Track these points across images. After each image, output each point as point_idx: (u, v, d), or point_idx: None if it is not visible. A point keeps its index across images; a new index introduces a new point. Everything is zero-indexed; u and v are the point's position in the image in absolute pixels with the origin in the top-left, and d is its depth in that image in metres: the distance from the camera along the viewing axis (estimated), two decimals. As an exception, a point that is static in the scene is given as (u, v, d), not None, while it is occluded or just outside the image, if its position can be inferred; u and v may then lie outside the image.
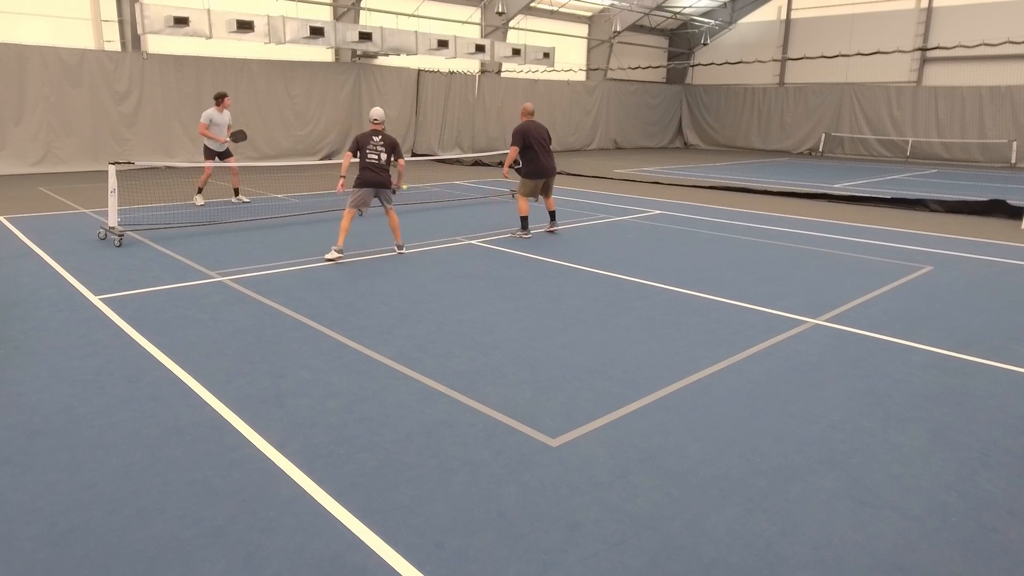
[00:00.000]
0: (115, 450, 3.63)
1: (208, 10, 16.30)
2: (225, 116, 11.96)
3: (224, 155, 12.11)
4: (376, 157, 8.33)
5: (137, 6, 15.52)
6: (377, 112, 8.52)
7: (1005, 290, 7.34)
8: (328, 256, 8.10)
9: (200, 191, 12.16)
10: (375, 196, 8.46)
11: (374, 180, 8.29)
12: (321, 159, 20.68)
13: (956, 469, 3.61)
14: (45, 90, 16.11)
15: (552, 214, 10.27)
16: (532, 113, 10.02)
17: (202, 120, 11.79)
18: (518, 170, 9.96)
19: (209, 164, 11.84)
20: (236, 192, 12.60)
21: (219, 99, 11.90)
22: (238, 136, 12.27)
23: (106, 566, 2.74)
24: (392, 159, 8.42)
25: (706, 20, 31.66)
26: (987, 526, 3.11)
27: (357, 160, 8.34)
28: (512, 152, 9.76)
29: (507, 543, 2.92)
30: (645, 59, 32.12)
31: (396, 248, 8.65)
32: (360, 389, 4.47)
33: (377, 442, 3.77)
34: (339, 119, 21.51)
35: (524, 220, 9.73)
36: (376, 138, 8.34)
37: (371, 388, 4.49)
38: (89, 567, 2.73)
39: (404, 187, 9.78)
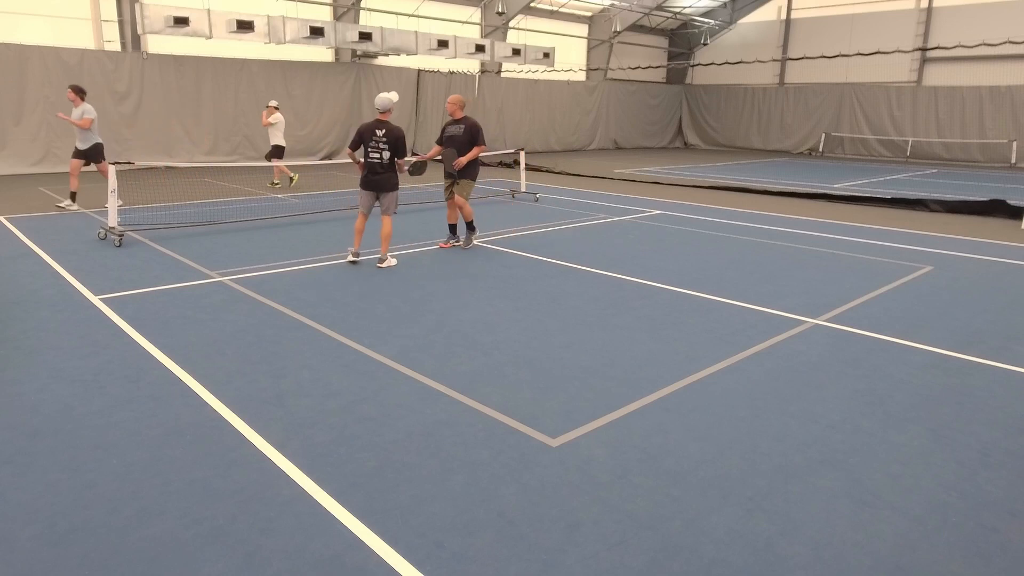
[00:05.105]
0: (115, 450, 3.63)
1: (208, 10, 16.30)
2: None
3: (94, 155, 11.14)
4: (377, 155, 7.50)
5: (137, 6, 15.52)
6: (381, 100, 7.48)
7: (1005, 290, 7.34)
8: (348, 259, 7.83)
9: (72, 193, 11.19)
10: (376, 199, 7.75)
11: (372, 183, 7.62)
12: (321, 159, 20.68)
13: (956, 469, 3.60)
14: (45, 90, 16.11)
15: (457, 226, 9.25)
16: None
17: (91, 115, 10.89)
18: (472, 175, 8.78)
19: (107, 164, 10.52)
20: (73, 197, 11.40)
21: (82, 92, 11.01)
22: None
23: (106, 566, 2.74)
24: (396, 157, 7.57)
25: (706, 20, 31.66)
26: (987, 526, 3.11)
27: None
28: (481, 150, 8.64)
29: (507, 543, 2.92)
30: (645, 59, 32.12)
31: (355, 252, 7.82)
32: (360, 389, 4.46)
33: (377, 442, 3.77)
34: (339, 119, 21.51)
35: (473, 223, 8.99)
36: (379, 132, 7.46)
37: (371, 388, 4.49)
38: (89, 567, 2.73)
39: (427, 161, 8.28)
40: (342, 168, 18.71)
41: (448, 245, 8.97)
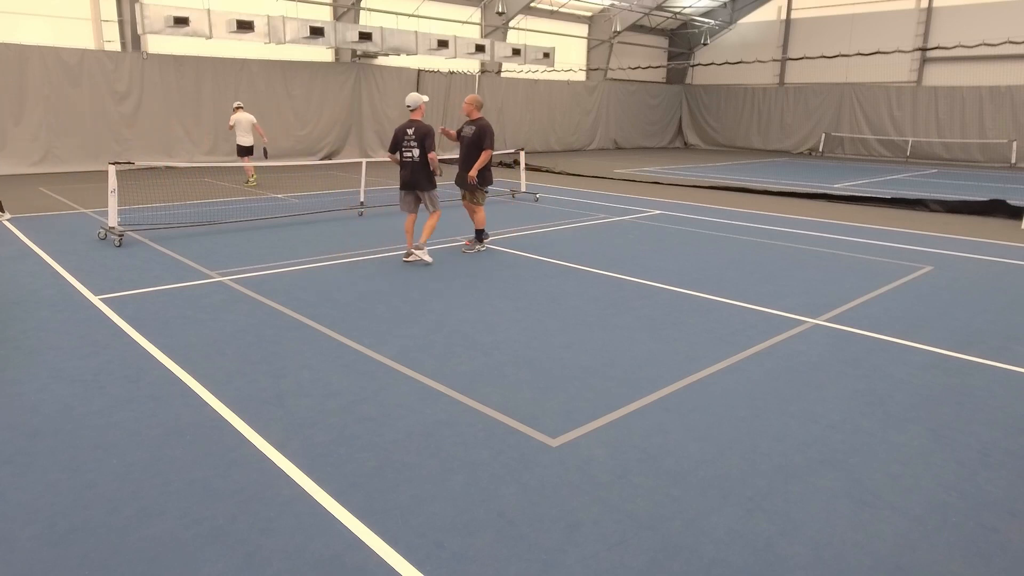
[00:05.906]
0: (115, 450, 3.63)
1: (208, 10, 16.30)
2: None
3: None
4: (410, 154, 7.65)
5: (137, 6, 15.52)
6: (410, 98, 7.62)
7: (1005, 290, 7.33)
8: (404, 259, 7.95)
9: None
10: (417, 200, 7.88)
11: (407, 180, 7.76)
12: (321, 159, 20.68)
13: (956, 469, 3.60)
14: (45, 90, 16.12)
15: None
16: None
17: None
18: (482, 182, 8.58)
19: None
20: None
21: None
22: None
23: (106, 566, 2.74)
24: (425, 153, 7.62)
25: (706, 20, 31.66)
26: (987, 526, 3.11)
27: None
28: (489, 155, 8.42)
29: (507, 543, 2.92)
30: (645, 59, 32.12)
31: (407, 251, 7.93)
32: (360, 389, 4.46)
33: (377, 442, 3.77)
34: (339, 119, 21.51)
35: (484, 231, 8.87)
36: (409, 131, 7.66)
37: (371, 388, 4.49)
38: (89, 567, 2.73)
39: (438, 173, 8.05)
40: (342, 168, 18.71)
41: (471, 243, 8.88)
